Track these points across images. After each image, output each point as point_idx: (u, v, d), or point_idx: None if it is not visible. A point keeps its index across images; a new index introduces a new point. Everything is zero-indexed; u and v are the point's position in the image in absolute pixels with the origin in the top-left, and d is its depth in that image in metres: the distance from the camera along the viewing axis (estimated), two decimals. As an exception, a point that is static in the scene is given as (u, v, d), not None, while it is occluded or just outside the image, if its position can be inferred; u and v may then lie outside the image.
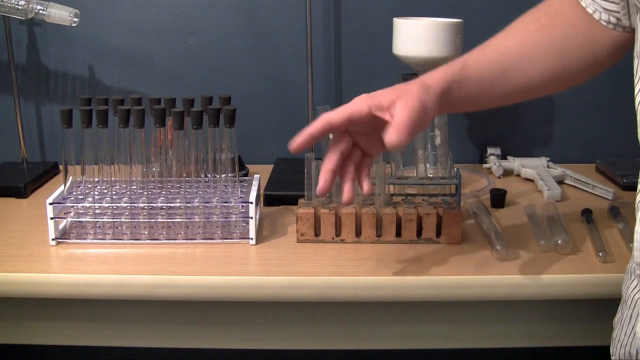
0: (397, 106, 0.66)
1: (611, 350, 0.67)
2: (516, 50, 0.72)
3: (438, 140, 0.93)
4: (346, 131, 0.70)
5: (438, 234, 0.86)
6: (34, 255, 0.83)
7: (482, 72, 0.71)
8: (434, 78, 0.69)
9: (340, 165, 0.70)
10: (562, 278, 0.77)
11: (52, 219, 0.85)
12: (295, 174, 1.05)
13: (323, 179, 0.69)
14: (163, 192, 0.90)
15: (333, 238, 0.86)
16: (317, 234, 0.87)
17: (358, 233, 0.86)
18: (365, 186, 0.72)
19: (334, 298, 0.78)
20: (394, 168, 0.91)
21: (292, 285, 0.77)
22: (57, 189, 0.89)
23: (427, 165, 0.96)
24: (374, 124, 0.69)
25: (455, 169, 0.91)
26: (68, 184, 0.89)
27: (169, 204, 0.87)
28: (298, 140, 0.68)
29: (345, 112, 0.68)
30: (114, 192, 0.89)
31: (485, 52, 0.72)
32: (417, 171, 0.93)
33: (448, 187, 0.90)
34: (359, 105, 0.68)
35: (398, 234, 0.86)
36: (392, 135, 0.65)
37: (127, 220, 0.87)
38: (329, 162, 0.69)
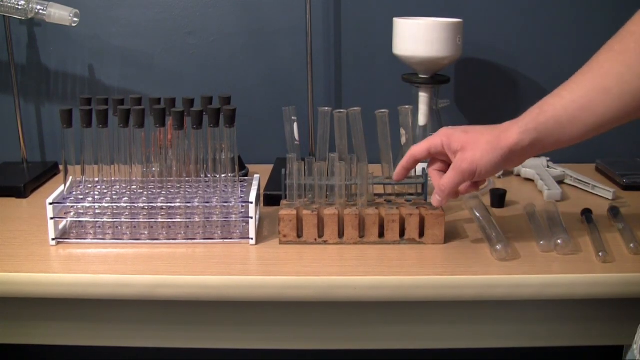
0: (452, 167, 0.79)
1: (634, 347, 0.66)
2: (590, 85, 0.73)
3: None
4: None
5: (421, 235, 0.86)
6: (34, 255, 0.83)
7: (558, 114, 0.74)
8: (509, 133, 0.76)
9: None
10: (562, 278, 0.77)
11: (52, 219, 0.85)
12: (295, 174, 1.05)
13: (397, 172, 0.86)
14: (163, 192, 0.90)
15: (315, 239, 0.86)
16: (299, 236, 0.86)
17: (341, 234, 0.86)
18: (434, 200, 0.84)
19: (334, 298, 0.78)
20: (386, 170, 0.91)
21: (292, 285, 0.77)
22: (57, 189, 0.89)
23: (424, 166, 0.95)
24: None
25: (422, 168, 0.90)
26: (68, 184, 0.89)
27: (169, 204, 0.87)
28: (397, 173, 0.85)
29: (424, 146, 0.82)
30: (114, 192, 0.89)
31: (562, 94, 0.75)
32: (415, 172, 0.93)
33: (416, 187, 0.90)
34: (436, 139, 0.81)
35: (381, 234, 0.86)
36: (434, 198, 0.82)
37: (127, 220, 0.87)
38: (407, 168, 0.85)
